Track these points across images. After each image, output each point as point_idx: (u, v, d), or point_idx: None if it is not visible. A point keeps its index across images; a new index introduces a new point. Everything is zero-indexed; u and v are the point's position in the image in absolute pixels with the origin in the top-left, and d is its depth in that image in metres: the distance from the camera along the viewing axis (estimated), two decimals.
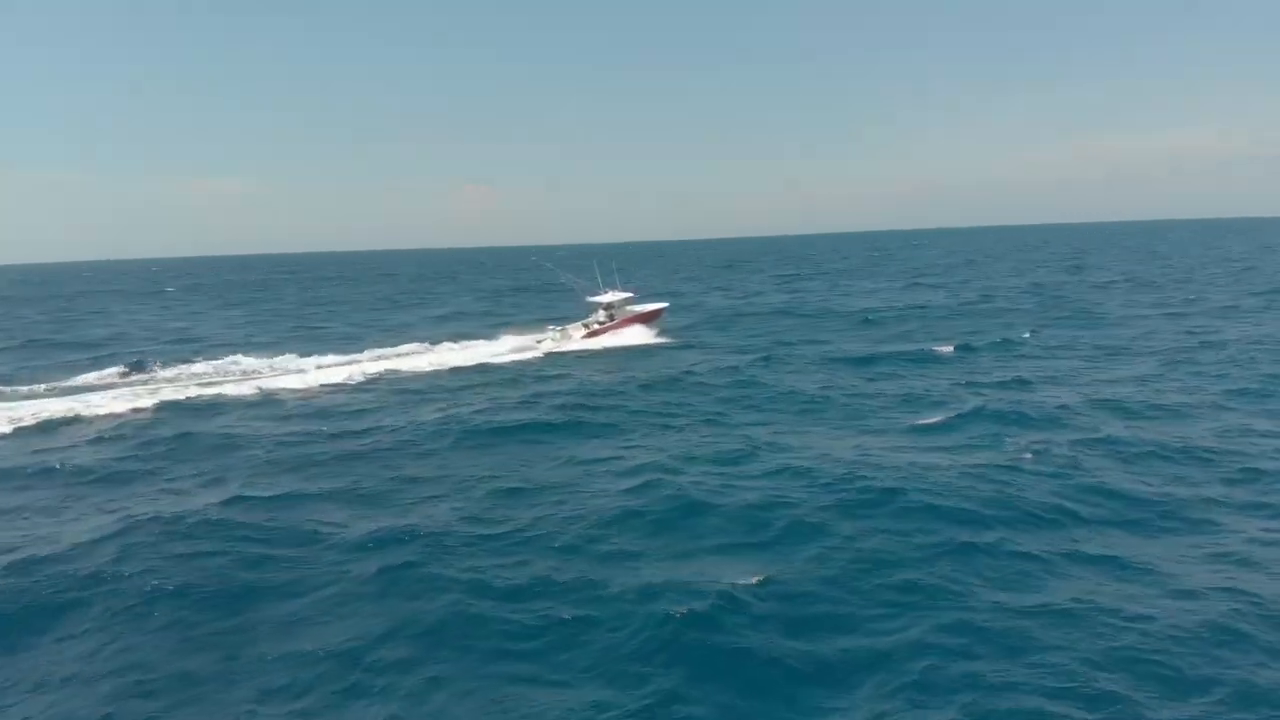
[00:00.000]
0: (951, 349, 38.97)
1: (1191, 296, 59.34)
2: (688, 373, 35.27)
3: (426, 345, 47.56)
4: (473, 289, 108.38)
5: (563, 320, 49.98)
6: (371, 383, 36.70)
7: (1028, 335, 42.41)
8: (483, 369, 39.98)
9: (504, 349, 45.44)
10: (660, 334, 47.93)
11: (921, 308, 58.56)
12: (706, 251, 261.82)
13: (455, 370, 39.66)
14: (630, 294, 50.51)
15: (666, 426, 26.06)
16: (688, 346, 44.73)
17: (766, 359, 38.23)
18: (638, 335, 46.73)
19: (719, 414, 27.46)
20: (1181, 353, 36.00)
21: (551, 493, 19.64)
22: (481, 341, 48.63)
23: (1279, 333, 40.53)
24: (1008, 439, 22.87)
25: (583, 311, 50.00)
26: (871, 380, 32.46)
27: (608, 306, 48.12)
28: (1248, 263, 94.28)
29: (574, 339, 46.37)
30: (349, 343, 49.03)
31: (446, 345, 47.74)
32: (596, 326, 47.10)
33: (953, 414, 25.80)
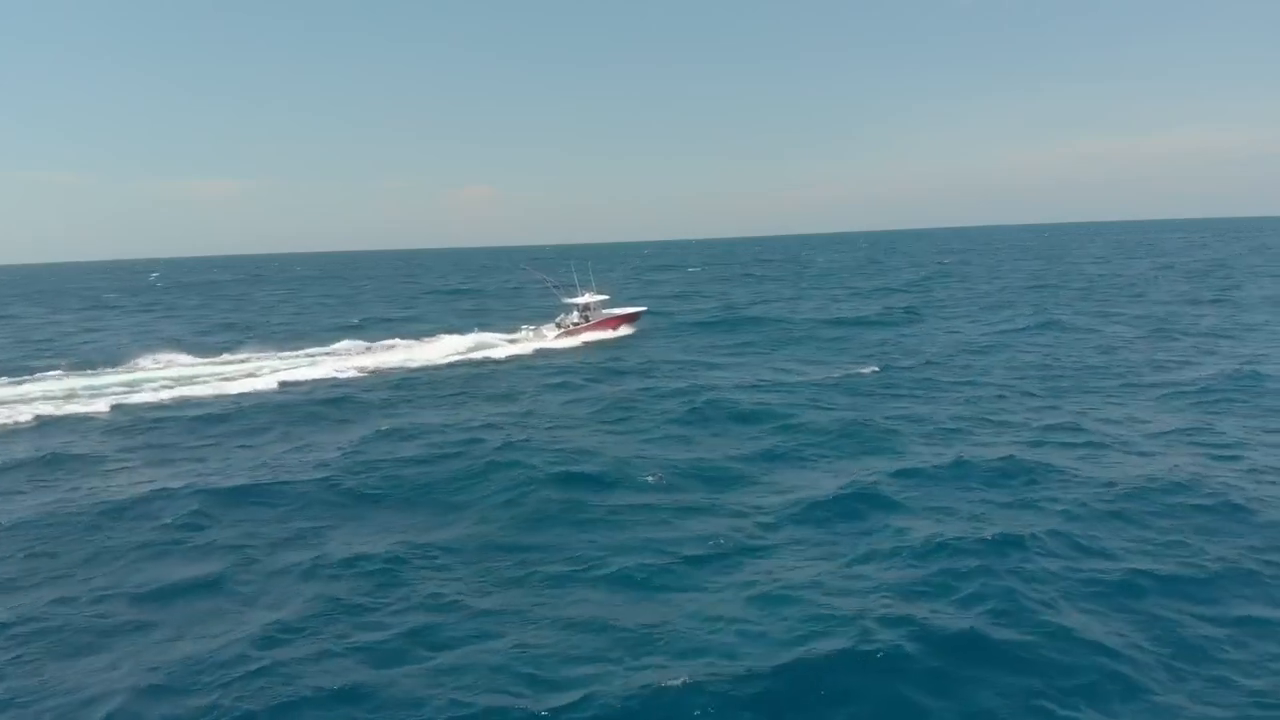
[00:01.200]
0: (841, 375, 32.28)
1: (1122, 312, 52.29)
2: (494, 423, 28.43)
3: (273, 355, 42.93)
4: (417, 291, 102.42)
5: (486, 325, 49.50)
6: (146, 410, 30.61)
7: (929, 363, 34.85)
8: (306, 390, 33.82)
9: (344, 366, 39.21)
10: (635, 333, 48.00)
11: (838, 322, 50.94)
12: (697, 251, 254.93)
13: (274, 391, 33.70)
14: (605, 296, 50.74)
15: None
16: (563, 371, 37.67)
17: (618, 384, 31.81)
18: (613, 336, 47.01)
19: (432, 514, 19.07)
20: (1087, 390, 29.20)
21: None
22: (323, 353, 43.69)
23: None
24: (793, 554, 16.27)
25: (507, 315, 51.52)
26: (701, 440, 25.21)
27: (583, 308, 48.42)
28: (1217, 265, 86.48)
29: (547, 338, 46.27)
30: (227, 350, 44.33)
31: (305, 355, 42.92)
32: (571, 327, 47.24)
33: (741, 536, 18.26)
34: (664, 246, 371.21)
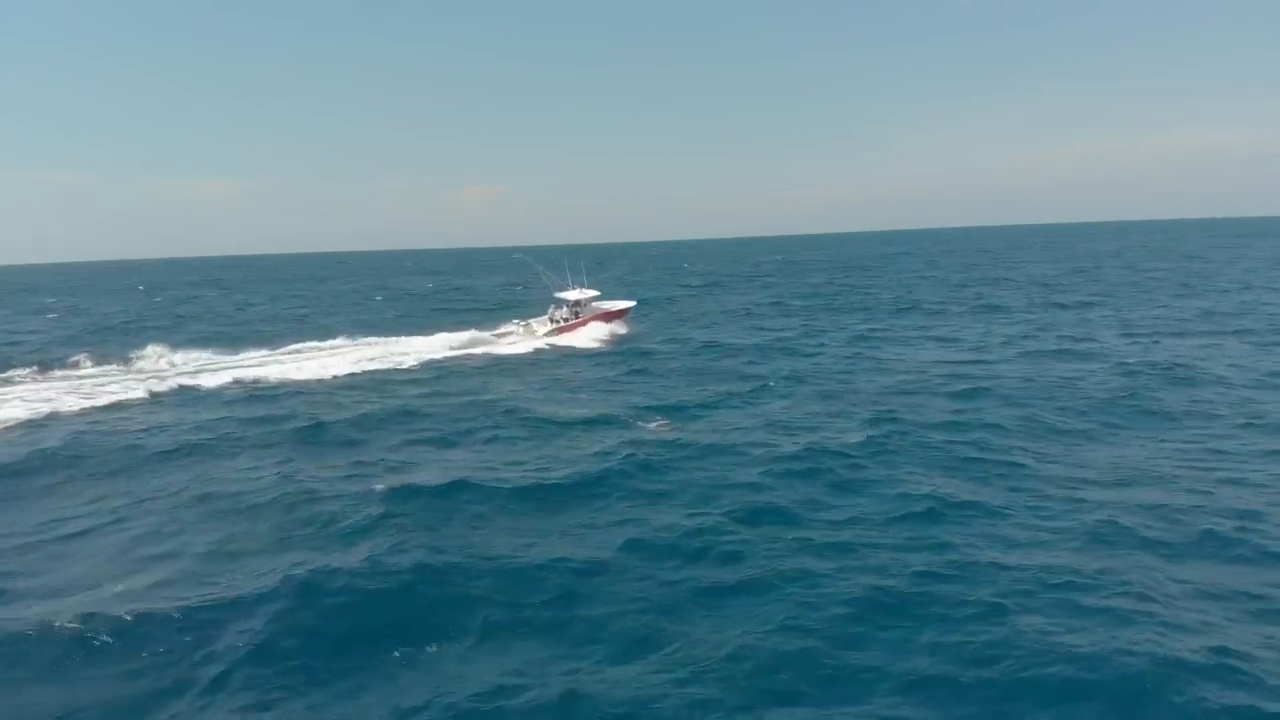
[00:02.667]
0: (651, 428, 24.04)
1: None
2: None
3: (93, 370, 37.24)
4: (361, 295, 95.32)
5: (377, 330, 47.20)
6: None
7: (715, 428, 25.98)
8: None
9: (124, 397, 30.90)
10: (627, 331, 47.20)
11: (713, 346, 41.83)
12: (702, 251, 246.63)
13: None
14: (596, 292, 50.11)
15: None
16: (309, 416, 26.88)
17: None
18: (601, 332, 45.86)
19: None
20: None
21: None
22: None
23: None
24: None
25: (420, 321, 51.12)
26: None
27: (574, 304, 47.37)
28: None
29: (538, 334, 45.07)
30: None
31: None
32: (561, 322, 46.26)
33: None
34: (674, 247, 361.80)
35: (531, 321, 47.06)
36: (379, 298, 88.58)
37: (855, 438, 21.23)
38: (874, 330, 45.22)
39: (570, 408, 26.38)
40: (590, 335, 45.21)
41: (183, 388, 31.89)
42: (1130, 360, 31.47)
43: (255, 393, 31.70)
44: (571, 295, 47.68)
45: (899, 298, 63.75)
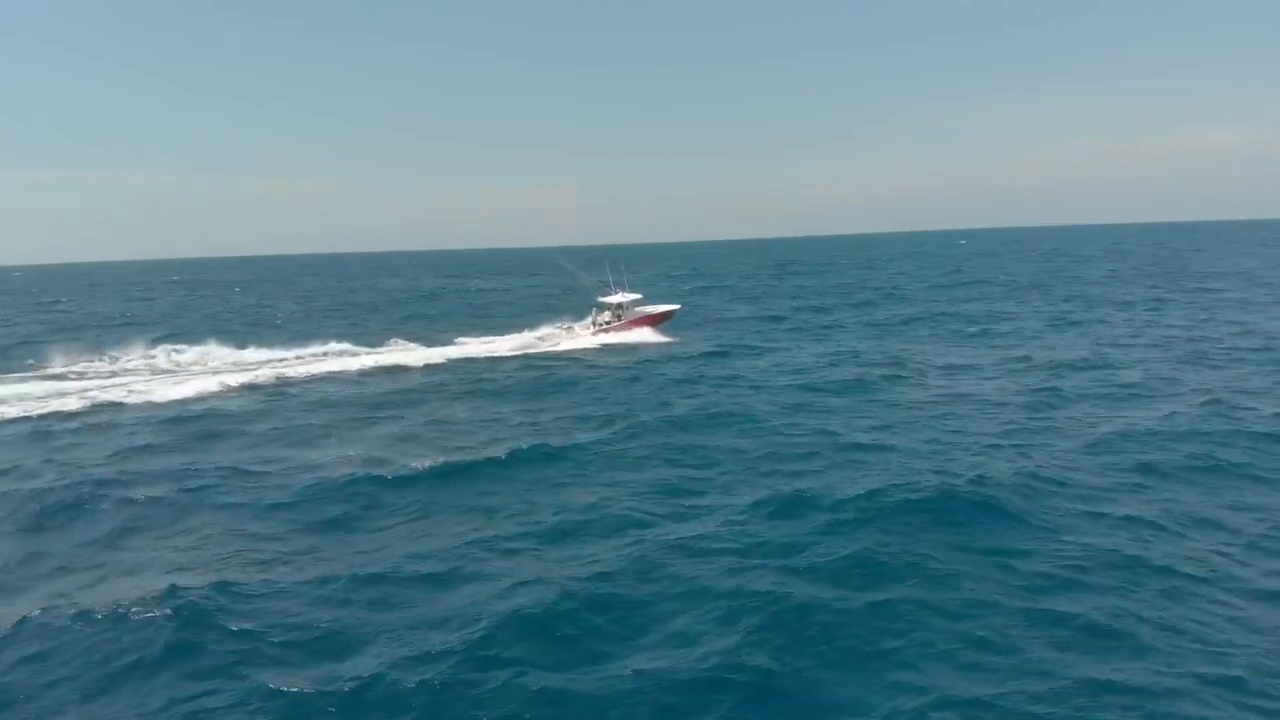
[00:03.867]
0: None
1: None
2: None
3: None
4: (341, 297, 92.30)
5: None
6: None
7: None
8: None
9: None
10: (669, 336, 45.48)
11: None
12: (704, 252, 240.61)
13: None
14: (639, 295, 48.90)
15: None
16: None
17: None
18: (645, 336, 45.01)
19: None
20: None
21: None
22: None
23: None
24: None
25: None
26: None
27: (616, 307, 46.80)
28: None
29: (581, 337, 45.11)
30: None
31: None
32: (603, 326, 45.96)
33: None
34: (712, 247, 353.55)
35: (574, 325, 47.06)
36: (361, 299, 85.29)
37: (630, 550, 14.86)
38: (841, 352, 38.45)
39: (374, 464, 21.38)
40: (640, 337, 45.00)
41: (4, 421, 28.11)
42: None
43: (88, 423, 28.06)
44: (614, 299, 47.24)
45: (893, 314, 55.86)
